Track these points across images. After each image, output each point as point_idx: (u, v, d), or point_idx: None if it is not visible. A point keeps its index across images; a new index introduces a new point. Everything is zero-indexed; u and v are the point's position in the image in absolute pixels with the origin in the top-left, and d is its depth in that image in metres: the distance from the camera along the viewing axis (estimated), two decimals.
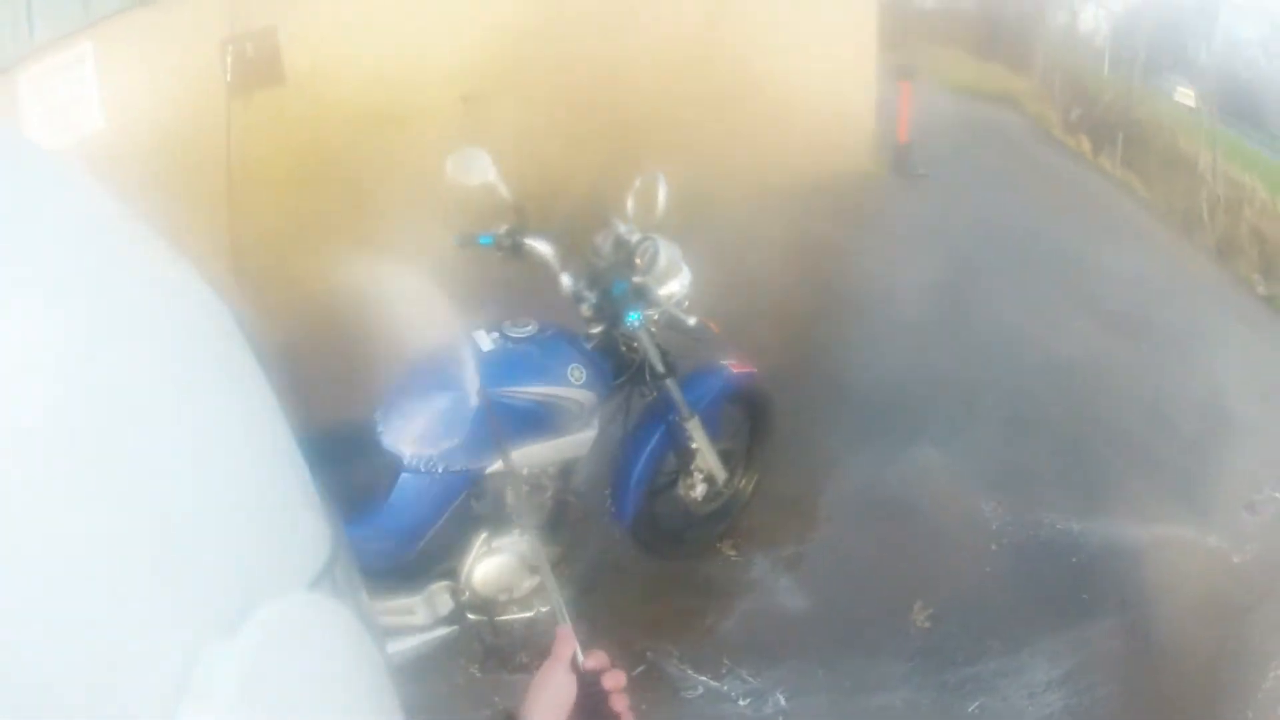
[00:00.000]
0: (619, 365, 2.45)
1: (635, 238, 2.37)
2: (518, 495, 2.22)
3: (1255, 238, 6.57)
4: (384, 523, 2.09)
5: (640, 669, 2.50)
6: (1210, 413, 3.81)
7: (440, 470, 2.12)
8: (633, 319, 2.35)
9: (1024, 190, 6.59)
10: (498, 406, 2.10)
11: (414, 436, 2.11)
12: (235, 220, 3.53)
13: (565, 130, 4.41)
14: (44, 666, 0.31)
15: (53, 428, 0.34)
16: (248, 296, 2.20)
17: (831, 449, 3.42)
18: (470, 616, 2.29)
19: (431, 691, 2.27)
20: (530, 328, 2.26)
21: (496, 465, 2.17)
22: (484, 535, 2.25)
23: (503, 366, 2.19)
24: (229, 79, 3.80)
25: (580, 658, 0.91)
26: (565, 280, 2.34)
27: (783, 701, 2.47)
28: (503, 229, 2.35)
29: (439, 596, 2.23)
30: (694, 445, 2.61)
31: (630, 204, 2.41)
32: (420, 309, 1.67)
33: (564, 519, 2.41)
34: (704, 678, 2.51)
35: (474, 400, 2.02)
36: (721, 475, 2.72)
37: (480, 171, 2.30)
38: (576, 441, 2.33)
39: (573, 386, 2.24)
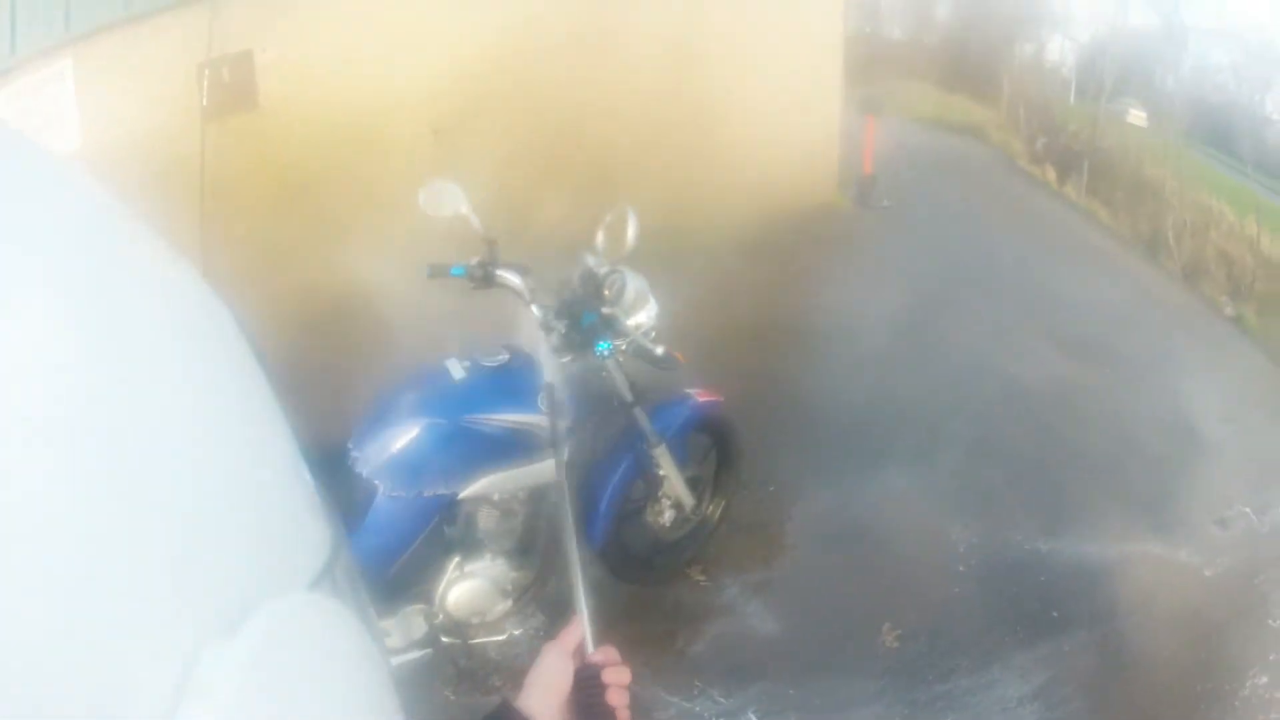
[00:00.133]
0: (588, 394, 2.47)
1: (604, 270, 2.40)
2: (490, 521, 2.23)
3: (1222, 260, 6.71)
4: (358, 546, 2.09)
5: None
6: (1180, 432, 3.90)
7: (413, 495, 2.13)
8: (602, 349, 2.37)
9: (989, 220, 6.71)
10: (470, 433, 2.12)
11: (387, 463, 2.12)
12: (207, 242, 3.51)
13: (535, 163, 4.45)
14: (44, 666, 0.31)
15: (53, 427, 0.34)
16: None
17: (799, 475, 3.45)
18: (444, 640, 2.29)
19: (406, 713, 2.25)
20: (502, 356, 2.29)
21: (469, 490, 2.19)
22: (457, 559, 2.26)
23: (475, 394, 2.21)
24: (204, 102, 3.80)
25: (590, 647, 0.91)
26: (535, 311, 2.36)
27: None
28: (474, 260, 2.36)
29: (413, 620, 2.23)
30: (661, 472, 2.64)
31: (600, 237, 2.43)
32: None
33: (535, 544, 2.42)
34: (676, 699, 2.52)
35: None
36: (689, 502, 2.75)
37: (452, 203, 2.32)
38: (547, 467, 2.34)
39: (543, 414, 2.26)
